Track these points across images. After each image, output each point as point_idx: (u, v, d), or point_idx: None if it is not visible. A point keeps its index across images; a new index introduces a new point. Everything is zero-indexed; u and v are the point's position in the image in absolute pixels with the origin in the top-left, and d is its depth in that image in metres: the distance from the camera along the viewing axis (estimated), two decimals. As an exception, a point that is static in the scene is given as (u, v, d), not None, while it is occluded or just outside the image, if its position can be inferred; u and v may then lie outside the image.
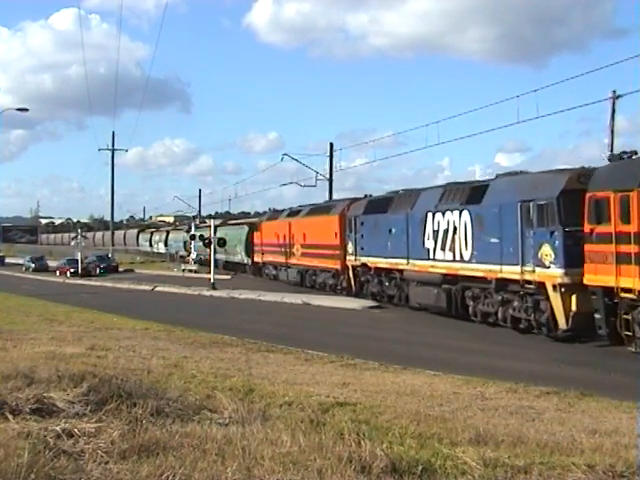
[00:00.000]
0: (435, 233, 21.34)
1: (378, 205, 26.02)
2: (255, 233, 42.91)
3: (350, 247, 27.37)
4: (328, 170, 46.39)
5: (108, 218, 75.80)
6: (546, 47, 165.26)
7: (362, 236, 26.34)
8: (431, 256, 21.61)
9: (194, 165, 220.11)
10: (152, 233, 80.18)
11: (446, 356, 14.76)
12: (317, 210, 33.31)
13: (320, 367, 12.44)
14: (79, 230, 55.73)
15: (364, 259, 26.35)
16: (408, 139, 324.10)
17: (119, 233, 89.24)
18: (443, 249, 20.91)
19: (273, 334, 17.91)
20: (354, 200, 29.39)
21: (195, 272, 47.71)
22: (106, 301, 30.99)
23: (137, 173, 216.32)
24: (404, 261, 23.28)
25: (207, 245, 37.98)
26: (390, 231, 24.23)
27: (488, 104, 30.54)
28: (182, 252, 55.70)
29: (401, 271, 23.82)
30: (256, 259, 43.00)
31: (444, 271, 20.84)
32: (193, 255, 50.10)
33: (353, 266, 27.50)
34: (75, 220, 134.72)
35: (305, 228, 33.07)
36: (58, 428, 5.41)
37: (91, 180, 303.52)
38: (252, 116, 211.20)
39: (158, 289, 37.27)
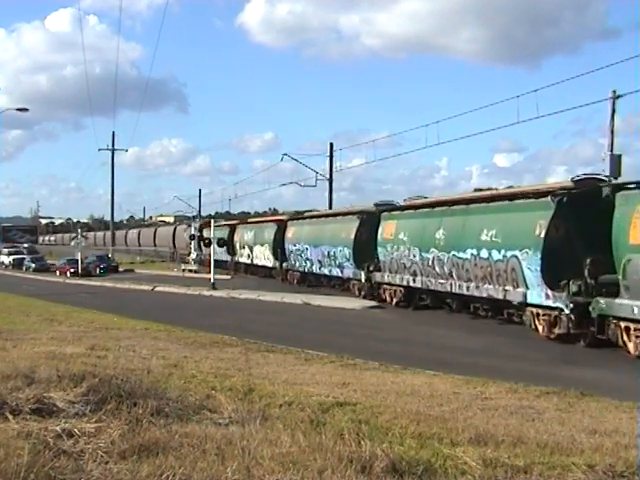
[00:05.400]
0: None
1: None
2: None
3: None
4: (326, 170, 46.55)
5: (108, 218, 75.93)
6: (539, 48, 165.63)
7: None
8: None
9: (191, 165, 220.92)
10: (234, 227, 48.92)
11: (446, 356, 14.77)
12: None
13: (320, 367, 12.41)
14: (79, 230, 55.86)
15: None
16: (404, 139, 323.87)
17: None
18: None
19: (273, 334, 17.89)
20: None
21: (195, 272, 47.75)
22: (106, 301, 30.98)
23: (134, 173, 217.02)
24: None
25: (207, 245, 37.77)
26: None
27: (487, 104, 30.86)
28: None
29: None
30: None
31: None
32: (193, 255, 50.18)
33: None
34: (75, 220, 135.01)
35: None
36: (58, 428, 5.41)
37: (90, 180, 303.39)
38: (248, 116, 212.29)
39: (158, 289, 37.26)
